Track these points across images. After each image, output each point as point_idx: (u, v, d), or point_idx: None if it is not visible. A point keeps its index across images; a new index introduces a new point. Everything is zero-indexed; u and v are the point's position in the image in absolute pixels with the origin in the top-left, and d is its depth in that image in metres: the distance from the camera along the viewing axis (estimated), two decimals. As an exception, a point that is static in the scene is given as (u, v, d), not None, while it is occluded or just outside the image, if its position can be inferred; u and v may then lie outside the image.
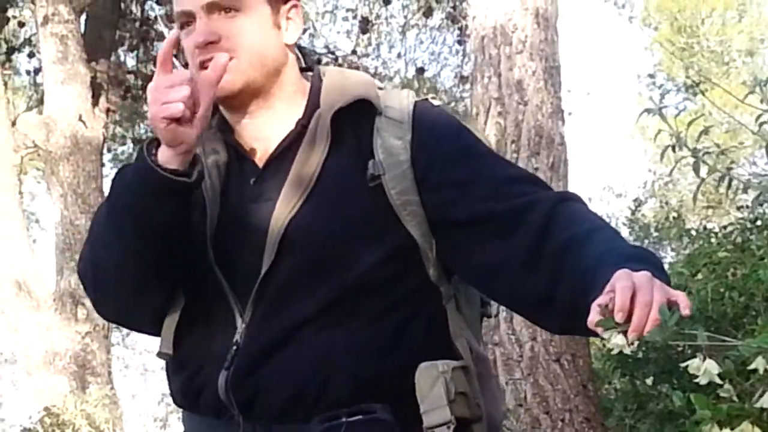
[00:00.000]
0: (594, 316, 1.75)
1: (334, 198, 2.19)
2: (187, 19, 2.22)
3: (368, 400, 2.14)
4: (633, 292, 1.75)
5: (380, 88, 2.32)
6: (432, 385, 2.13)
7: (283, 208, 2.17)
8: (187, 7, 2.21)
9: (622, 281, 1.77)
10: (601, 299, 1.76)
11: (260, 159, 2.27)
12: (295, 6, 2.30)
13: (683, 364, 1.93)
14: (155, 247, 2.17)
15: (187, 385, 2.26)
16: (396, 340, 2.18)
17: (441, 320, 2.25)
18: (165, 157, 2.11)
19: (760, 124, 2.83)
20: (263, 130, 2.27)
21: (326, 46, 15.28)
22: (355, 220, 2.18)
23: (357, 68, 13.38)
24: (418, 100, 2.29)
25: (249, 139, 2.28)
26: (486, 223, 2.16)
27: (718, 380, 1.95)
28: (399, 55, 15.42)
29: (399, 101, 2.26)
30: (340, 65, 13.14)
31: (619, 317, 1.73)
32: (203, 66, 2.17)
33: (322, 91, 2.26)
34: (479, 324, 2.42)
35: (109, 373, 10.45)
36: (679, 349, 4.52)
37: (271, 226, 2.17)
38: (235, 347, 2.18)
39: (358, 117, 2.23)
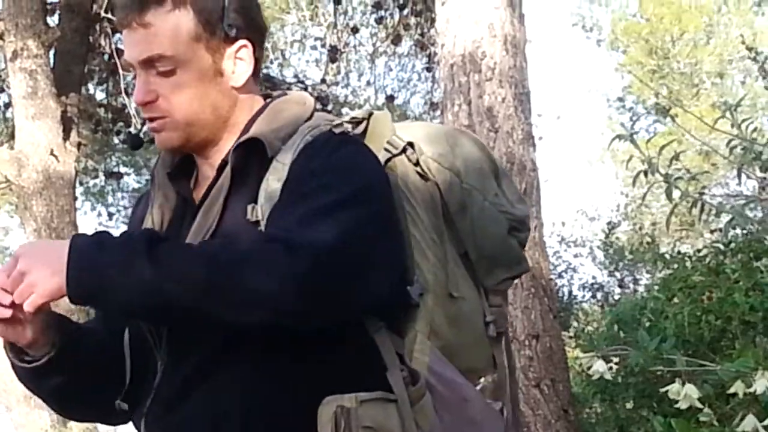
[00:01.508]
0: None
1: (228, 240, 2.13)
2: (135, 68, 2.23)
3: None
4: None
5: (306, 120, 2.27)
6: (328, 421, 2.03)
7: None
8: (128, 59, 2.21)
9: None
10: None
11: (197, 196, 2.28)
12: (244, 46, 2.26)
13: (663, 389, 1.94)
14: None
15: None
16: (295, 375, 2.10)
17: (363, 352, 2.14)
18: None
19: (731, 149, 2.84)
20: (208, 171, 2.28)
21: (296, 75, 15.32)
22: None
23: (326, 97, 13.46)
24: (324, 134, 2.21)
25: (199, 181, 2.31)
26: None
27: (698, 404, 1.95)
28: (368, 83, 15.49)
29: (301, 140, 2.20)
30: (309, 95, 13.13)
31: None
32: (150, 120, 2.22)
33: (253, 125, 2.24)
34: (481, 342, 2.31)
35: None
36: (659, 373, 4.53)
37: None
38: (154, 392, 2.18)
39: (261, 157, 2.19)
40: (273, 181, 2.15)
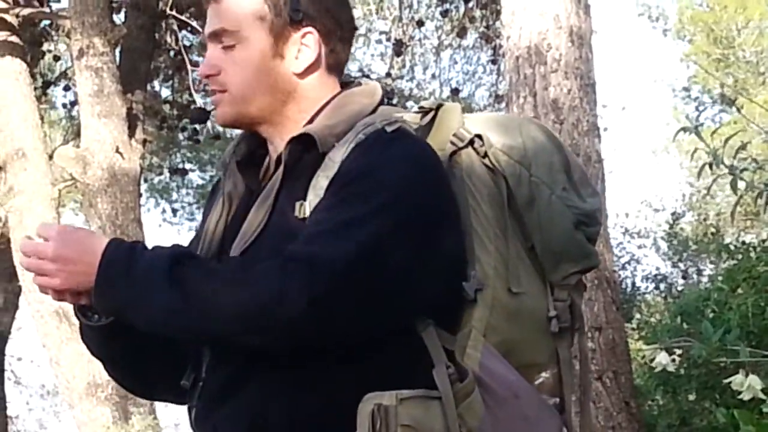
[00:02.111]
0: None
1: (280, 234, 2.14)
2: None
3: None
4: None
5: (367, 115, 2.25)
6: (365, 418, 2.04)
7: (237, 244, 2.20)
8: (205, 32, 2.27)
9: None
10: None
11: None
12: (309, 33, 2.26)
13: (726, 380, 1.94)
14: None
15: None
16: (337, 374, 2.10)
17: (410, 351, 2.13)
18: None
19: (797, 137, 2.83)
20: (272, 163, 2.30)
21: (360, 69, 15.35)
22: None
23: (391, 91, 13.46)
24: (378, 131, 2.18)
25: (268, 171, 2.32)
26: None
27: (761, 395, 1.95)
28: (433, 76, 15.46)
29: (354, 139, 2.17)
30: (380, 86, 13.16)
31: None
32: (212, 93, 2.27)
33: (318, 118, 2.24)
34: (543, 337, 2.29)
35: (152, 402, 10.44)
36: (722, 365, 4.50)
37: None
38: (201, 383, 2.21)
39: (314, 153, 2.19)
40: (322, 178, 2.15)
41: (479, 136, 2.26)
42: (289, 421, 2.09)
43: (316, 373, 2.09)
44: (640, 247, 14.46)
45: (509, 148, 2.27)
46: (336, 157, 2.15)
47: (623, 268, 13.58)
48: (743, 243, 6.76)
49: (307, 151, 2.19)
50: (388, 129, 2.19)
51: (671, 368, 1.79)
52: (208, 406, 2.17)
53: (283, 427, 2.10)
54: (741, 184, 2.60)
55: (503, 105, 11.66)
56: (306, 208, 2.13)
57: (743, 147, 2.73)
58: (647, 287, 13.55)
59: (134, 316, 2.07)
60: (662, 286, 13.41)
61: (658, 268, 13.96)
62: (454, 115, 2.31)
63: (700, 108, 20.39)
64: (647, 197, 17.60)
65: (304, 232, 2.08)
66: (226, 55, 2.24)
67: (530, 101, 7.56)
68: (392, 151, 2.16)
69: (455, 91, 14.52)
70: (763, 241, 6.12)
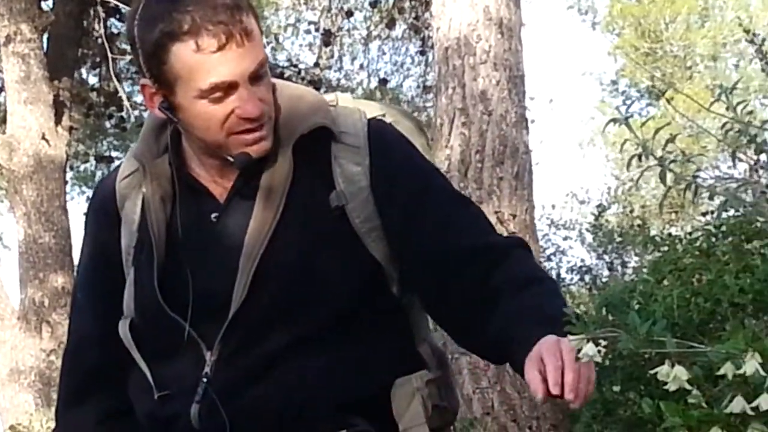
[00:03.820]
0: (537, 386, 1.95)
1: (302, 229, 2.18)
2: (224, 89, 2.10)
3: (345, 420, 2.16)
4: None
5: (332, 105, 2.30)
6: (408, 402, 2.17)
7: (254, 243, 2.17)
8: (231, 77, 2.08)
9: (550, 356, 1.93)
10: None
11: (221, 193, 2.25)
12: None
13: (652, 371, 1.95)
14: None
15: (154, 414, 2.26)
16: (370, 360, 2.19)
17: (406, 331, 2.28)
18: None
19: (726, 132, 2.85)
20: (228, 163, 2.23)
21: (289, 59, 15.31)
22: (324, 250, 2.18)
23: (319, 81, 13.45)
24: (371, 120, 2.28)
25: (207, 170, 2.26)
26: (440, 258, 2.17)
27: (687, 386, 1.96)
28: (362, 66, 15.47)
29: (353, 124, 2.25)
30: (302, 78, 13.14)
31: (555, 390, 1.93)
32: (236, 133, 2.13)
33: (279, 113, 2.23)
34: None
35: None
36: (647, 356, 4.53)
37: (241, 263, 2.16)
38: (205, 380, 2.18)
39: (314, 142, 2.21)
40: (350, 165, 2.20)
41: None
42: (314, 400, 2.15)
43: (335, 355, 2.16)
44: (565, 238, 14.58)
45: None
46: (355, 143, 2.22)
47: (549, 259, 13.70)
48: (669, 235, 6.82)
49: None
50: (378, 119, 2.32)
51: (598, 359, 1.79)
52: (221, 398, 2.16)
53: (321, 400, 2.15)
54: (669, 176, 2.61)
55: (431, 96, 11.68)
56: (343, 195, 2.18)
57: (672, 139, 2.74)
58: (572, 279, 13.67)
59: None
60: (587, 277, 13.54)
61: (583, 260, 14.09)
62: (352, 102, 2.37)
63: (628, 101, 20.56)
64: (573, 189, 17.73)
65: (468, 227, 2.21)
66: (264, 90, 2.17)
67: (459, 92, 7.58)
68: (403, 138, 2.31)
69: (383, 82, 14.54)
70: (689, 233, 6.16)
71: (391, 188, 2.20)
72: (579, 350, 1.79)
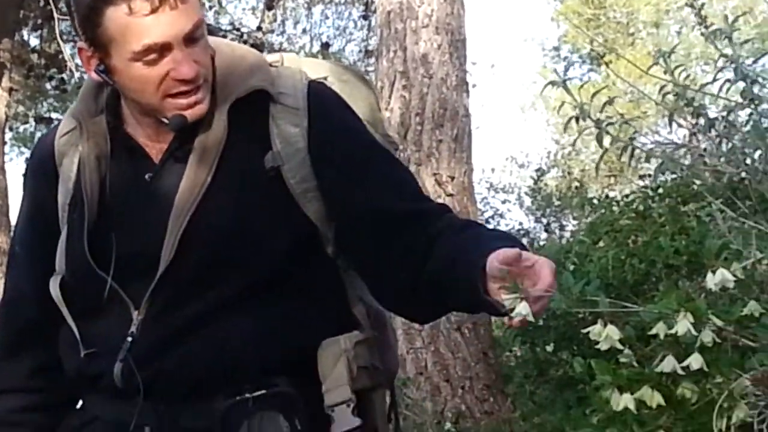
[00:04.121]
0: (495, 283, 1.81)
1: (235, 191, 2.16)
2: (158, 51, 2.07)
3: (272, 377, 2.14)
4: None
5: (272, 65, 2.29)
6: (334, 363, 2.16)
7: (183, 204, 2.15)
8: (164, 39, 2.05)
9: (514, 252, 1.82)
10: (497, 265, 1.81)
11: (157, 154, 2.23)
12: None
13: (584, 330, 1.95)
14: None
15: (81, 371, 2.25)
16: (297, 318, 2.18)
17: (340, 292, 2.26)
18: None
19: (664, 95, 2.86)
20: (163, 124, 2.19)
21: (232, 23, 15.21)
22: (256, 212, 2.16)
23: (262, 45, 13.36)
24: (312, 82, 2.26)
25: (144, 130, 2.24)
26: (374, 220, 2.16)
27: (619, 345, 1.97)
28: (304, 31, 15.43)
29: (293, 85, 2.23)
30: (245, 42, 13.04)
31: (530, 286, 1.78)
32: (172, 96, 2.10)
33: (216, 74, 2.20)
34: None
35: None
36: (580, 316, 4.56)
37: (170, 224, 2.14)
38: (130, 338, 2.16)
39: (252, 103, 2.19)
40: (287, 126, 2.18)
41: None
42: (253, 353, 2.13)
43: (265, 314, 2.14)
44: (504, 202, 14.66)
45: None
46: (294, 104, 2.19)
47: (487, 222, 13.75)
48: (606, 197, 6.86)
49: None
50: (319, 81, 2.31)
51: (531, 318, 1.78)
52: (146, 357, 2.14)
53: (248, 357, 2.13)
54: (606, 138, 2.62)
55: (373, 60, 11.66)
56: (279, 156, 2.16)
57: (610, 102, 2.75)
58: (510, 242, 13.69)
59: None
60: (525, 241, 13.58)
61: (521, 223, 14.18)
62: (297, 61, 2.37)
63: (568, 65, 20.63)
64: (513, 153, 17.81)
65: (403, 191, 2.20)
66: (200, 52, 2.13)
67: (400, 56, 7.57)
68: (342, 101, 2.28)
69: (326, 46, 14.50)
70: (626, 195, 6.20)
71: (328, 150, 2.19)
72: (512, 309, 1.78)
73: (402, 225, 2.13)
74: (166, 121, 2.14)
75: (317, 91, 2.24)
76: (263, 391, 2.13)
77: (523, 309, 1.77)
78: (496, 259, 1.81)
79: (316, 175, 2.17)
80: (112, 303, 2.18)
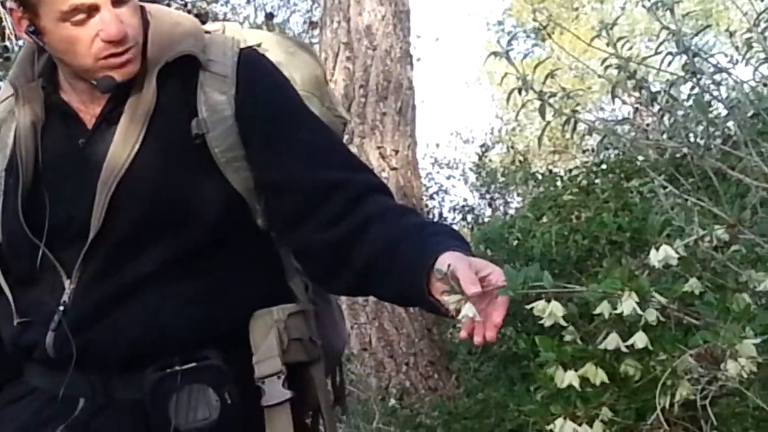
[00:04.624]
0: (440, 286, 1.82)
1: (163, 157, 2.15)
2: (86, 11, 2.08)
3: (201, 349, 2.13)
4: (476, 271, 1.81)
5: (207, 32, 2.28)
6: (265, 334, 2.16)
7: (110, 171, 2.13)
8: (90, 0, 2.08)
9: (461, 261, 1.82)
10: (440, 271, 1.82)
11: (90, 119, 2.21)
12: None
13: (528, 307, 1.93)
14: None
15: (15, 341, 2.24)
16: (229, 289, 2.17)
17: (275, 264, 2.26)
18: None
19: (606, 68, 2.83)
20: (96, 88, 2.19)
21: (176, -8, 15.08)
22: (184, 179, 2.15)
23: (206, 14, 13.26)
24: (244, 49, 2.25)
25: (79, 96, 2.23)
26: (294, 188, 2.15)
27: (563, 322, 1.95)
28: (248, 1, 15.31)
29: (224, 53, 2.22)
30: (189, 12, 12.95)
31: (471, 288, 1.77)
32: (103, 58, 2.10)
33: (149, 39, 2.20)
34: None
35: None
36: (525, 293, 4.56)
37: (98, 187, 2.12)
38: (62, 308, 2.15)
39: (182, 70, 2.18)
40: (214, 93, 2.17)
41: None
42: (181, 323, 2.13)
43: (198, 284, 2.15)
44: (449, 177, 14.65)
45: (277, 63, 2.34)
46: (222, 71, 2.19)
47: (431, 198, 13.75)
48: (550, 172, 6.87)
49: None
50: (249, 47, 2.29)
51: (478, 318, 1.77)
52: (77, 327, 2.13)
53: (177, 328, 2.12)
54: (549, 111, 2.59)
55: (317, 31, 11.62)
56: (204, 123, 2.15)
57: (552, 75, 2.72)
58: (455, 218, 13.74)
59: None
60: (469, 217, 13.62)
61: (465, 199, 14.17)
62: (238, 30, 2.38)
63: (511, 38, 20.67)
64: (458, 128, 17.81)
65: (332, 161, 2.17)
66: (129, 13, 2.13)
67: (344, 26, 7.55)
68: (274, 69, 2.28)
69: (270, 16, 14.44)
70: (570, 170, 6.20)
71: (254, 117, 2.18)
72: (458, 311, 1.77)
73: (325, 194, 2.12)
74: (94, 82, 2.13)
75: (248, 59, 2.24)
76: (193, 364, 2.12)
77: (468, 311, 1.76)
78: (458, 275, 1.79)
79: (243, 144, 2.17)
80: (46, 271, 2.17)
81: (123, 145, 2.14)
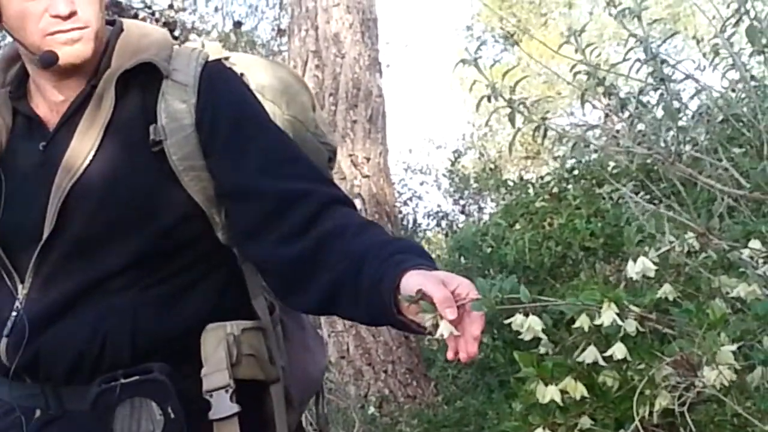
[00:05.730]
0: (412, 308, 1.81)
1: (118, 163, 2.14)
2: None
3: (148, 361, 2.11)
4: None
5: (176, 45, 2.29)
6: (215, 347, 2.13)
7: (65, 175, 2.13)
8: None
9: (431, 280, 1.80)
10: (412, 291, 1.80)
11: (53, 125, 2.22)
12: None
13: (506, 322, 1.92)
14: None
15: None
16: (181, 301, 2.16)
17: (235, 280, 2.24)
18: None
19: (575, 74, 2.83)
20: (63, 93, 2.22)
21: (143, 1, 15.02)
22: (139, 186, 2.14)
23: (174, 23, 13.22)
24: (210, 62, 2.25)
25: (46, 103, 2.24)
26: (252, 198, 2.14)
27: (542, 336, 1.94)
28: (216, 9, 15.27)
29: (187, 63, 2.22)
30: (157, 20, 12.93)
31: (449, 313, 1.76)
32: (51, 34, 2.12)
33: (116, 49, 2.22)
34: None
35: None
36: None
37: (52, 193, 2.12)
38: (15, 314, 2.14)
39: (145, 79, 2.19)
40: (175, 102, 2.16)
41: (242, 75, 2.35)
42: (128, 335, 2.11)
43: (152, 295, 2.13)
44: (422, 183, 14.64)
45: (262, 87, 2.37)
46: (184, 80, 2.18)
47: (405, 204, 13.74)
48: (521, 178, 6.87)
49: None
50: (216, 60, 2.28)
51: (456, 333, 1.76)
52: (30, 333, 2.12)
53: (123, 339, 2.11)
54: (519, 118, 2.59)
55: (285, 39, 11.61)
56: (161, 131, 2.13)
57: (521, 81, 2.72)
58: (429, 224, 13.74)
59: None
60: (443, 223, 13.61)
61: (439, 205, 14.16)
62: (220, 52, 2.36)
63: (480, 44, 20.70)
64: (430, 135, 17.85)
65: (279, 167, 2.15)
66: None
67: (312, 35, 7.54)
68: (238, 80, 2.28)
69: (238, 24, 14.40)
70: (542, 177, 6.21)
71: (215, 127, 2.17)
72: (435, 326, 1.75)
73: (285, 206, 2.10)
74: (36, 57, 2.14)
75: (212, 70, 2.24)
76: (135, 377, 2.09)
77: (445, 330, 1.75)
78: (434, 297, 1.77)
79: (204, 154, 2.16)
80: (2, 276, 2.17)
81: (79, 149, 2.14)
